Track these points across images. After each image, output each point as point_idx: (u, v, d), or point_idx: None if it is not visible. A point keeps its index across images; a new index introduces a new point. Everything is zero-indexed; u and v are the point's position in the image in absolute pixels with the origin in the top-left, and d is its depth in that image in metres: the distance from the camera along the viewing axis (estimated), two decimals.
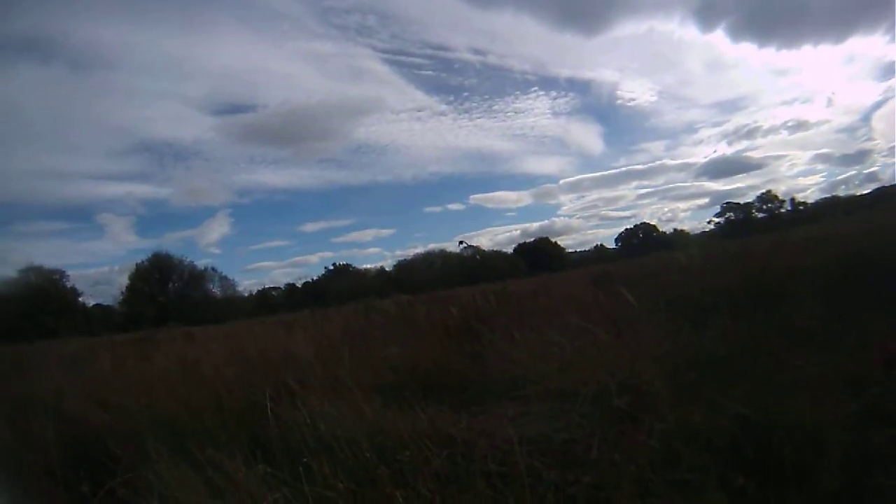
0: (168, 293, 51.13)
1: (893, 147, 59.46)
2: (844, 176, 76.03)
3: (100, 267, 72.60)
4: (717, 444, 2.78)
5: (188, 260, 53.37)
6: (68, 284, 46.81)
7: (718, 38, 75.46)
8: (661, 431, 3.00)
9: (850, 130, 74.35)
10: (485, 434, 3.60)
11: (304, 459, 3.45)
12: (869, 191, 52.94)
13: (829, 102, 67.65)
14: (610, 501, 2.72)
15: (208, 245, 67.74)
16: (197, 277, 53.22)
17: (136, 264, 51.77)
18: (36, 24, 46.80)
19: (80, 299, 47.82)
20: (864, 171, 64.69)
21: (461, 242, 57.63)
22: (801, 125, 67.55)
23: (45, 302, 41.13)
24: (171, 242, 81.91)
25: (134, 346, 15.32)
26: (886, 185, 49.82)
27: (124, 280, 50.93)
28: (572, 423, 3.49)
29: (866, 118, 67.05)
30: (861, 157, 68.02)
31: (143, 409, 5.28)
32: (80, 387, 7.20)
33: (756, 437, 2.70)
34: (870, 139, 61.22)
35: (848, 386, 3.19)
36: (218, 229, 61.01)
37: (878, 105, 64.20)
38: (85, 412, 5.66)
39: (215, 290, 54.09)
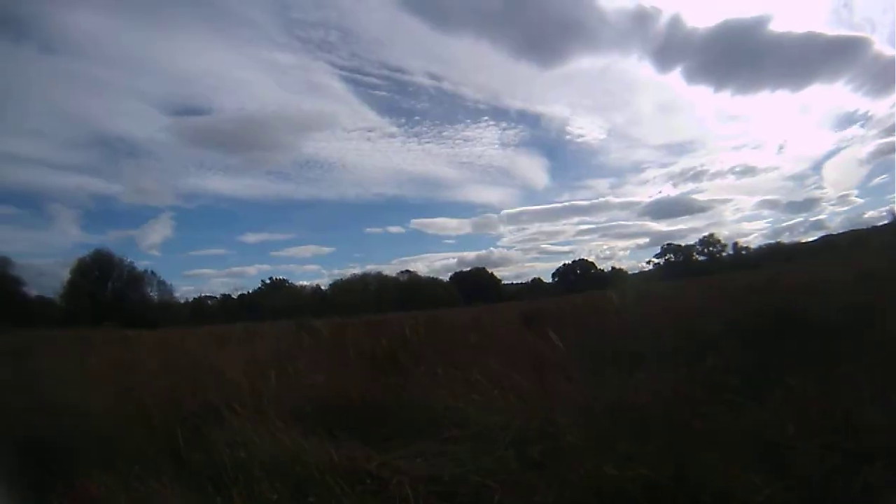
0: (107, 292, 49.77)
1: (843, 196, 63.21)
2: (790, 223, 77.60)
3: (46, 258, 67.84)
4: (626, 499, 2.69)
5: (129, 260, 52.01)
6: (12, 273, 44.03)
7: (674, 79, 77.47)
8: (570, 483, 2.94)
9: (799, 178, 73.51)
10: (399, 472, 3.55)
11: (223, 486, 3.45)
12: (814, 239, 55.09)
13: (780, 149, 69.86)
14: None
15: (150, 247, 64.52)
16: (136, 279, 52.08)
17: (79, 259, 50.43)
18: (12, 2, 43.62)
19: (24, 289, 45.12)
20: (811, 219, 67.15)
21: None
22: (748, 170, 68.25)
23: None
24: (114, 240, 78.24)
25: (71, 345, 15.28)
26: (833, 233, 52.16)
27: (66, 274, 49.27)
28: (486, 468, 3.38)
29: (817, 167, 70.14)
30: (809, 205, 69.04)
31: (77, 416, 5.14)
32: (19, 386, 7.18)
33: (663, 495, 2.63)
34: (819, 188, 63.55)
35: (761, 447, 3.13)
36: (160, 231, 59.01)
37: (831, 154, 68.13)
38: (24, 414, 5.45)
39: (153, 293, 52.92)
